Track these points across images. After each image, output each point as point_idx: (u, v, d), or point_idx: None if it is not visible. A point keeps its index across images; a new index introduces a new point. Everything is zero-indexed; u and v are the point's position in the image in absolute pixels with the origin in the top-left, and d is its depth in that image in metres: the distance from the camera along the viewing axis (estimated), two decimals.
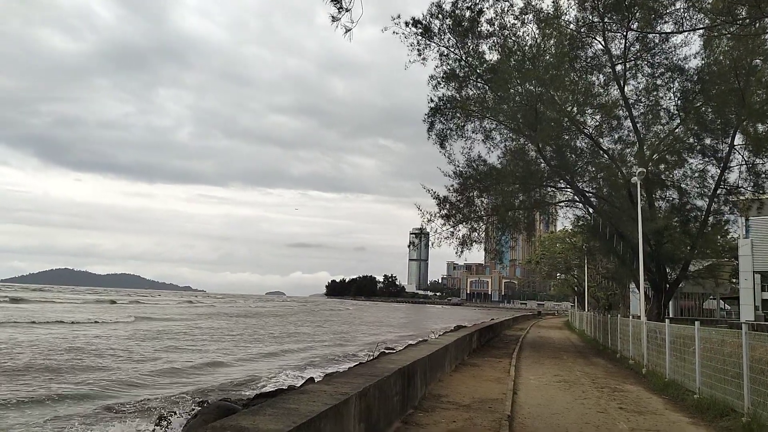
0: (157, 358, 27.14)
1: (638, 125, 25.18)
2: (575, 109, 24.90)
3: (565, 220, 34.47)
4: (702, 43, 23.90)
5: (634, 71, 24.99)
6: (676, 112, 25.14)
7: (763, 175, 24.47)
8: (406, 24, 24.30)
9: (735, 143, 24.51)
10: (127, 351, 29.13)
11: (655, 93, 25.01)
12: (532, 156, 26.50)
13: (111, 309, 78.99)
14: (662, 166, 25.68)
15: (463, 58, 25.01)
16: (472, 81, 25.61)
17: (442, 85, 25.37)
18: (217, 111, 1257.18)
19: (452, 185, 26.49)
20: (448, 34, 24.50)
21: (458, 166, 26.33)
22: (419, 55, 24.49)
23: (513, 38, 24.46)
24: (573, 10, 23.84)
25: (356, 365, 16.79)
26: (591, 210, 27.92)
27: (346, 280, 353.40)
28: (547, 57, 24.02)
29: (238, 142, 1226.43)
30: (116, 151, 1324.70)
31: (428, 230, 26.70)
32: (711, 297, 46.79)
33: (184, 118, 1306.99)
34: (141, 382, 20.64)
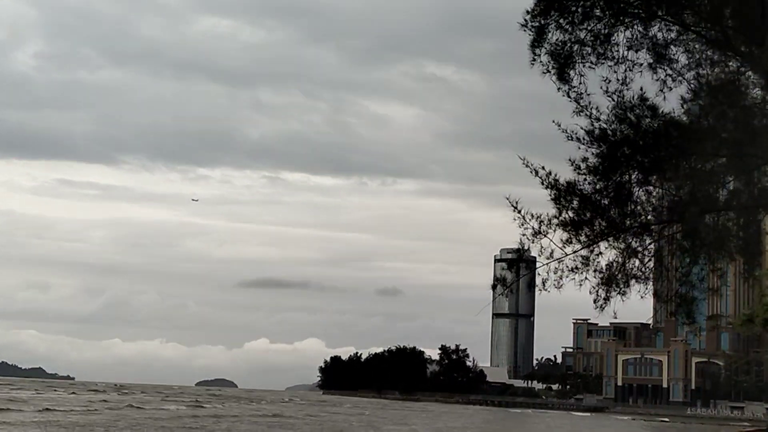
0: None
1: None
2: None
3: None
4: None
5: None
6: None
7: None
8: None
9: None
10: None
11: None
12: (757, 97, 18.43)
13: None
14: None
15: None
16: None
17: None
18: (94, 12, 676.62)
19: (585, 159, 18.53)
20: None
21: (597, 120, 18.39)
22: None
23: None
24: None
25: None
26: None
27: (362, 357, 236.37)
28: None
29: (136, 74, 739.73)
30: None
31: (533, 253, 19.09)
32: None
33: (24, 26, 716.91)
34: None
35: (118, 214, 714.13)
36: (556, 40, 17.79)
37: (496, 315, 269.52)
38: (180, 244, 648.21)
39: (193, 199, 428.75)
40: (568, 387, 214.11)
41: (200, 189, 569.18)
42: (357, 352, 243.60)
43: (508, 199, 18.39)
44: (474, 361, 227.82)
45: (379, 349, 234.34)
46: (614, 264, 18.46)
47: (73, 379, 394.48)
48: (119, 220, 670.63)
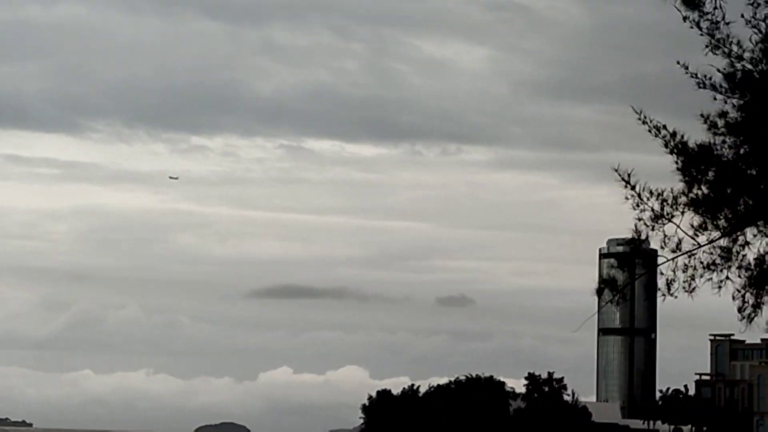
0: None
1: None
2: None
3: None
4: None
5: None
6: None
7: None
8: None
9: None
10: None
11: None
12: None
13: None
14: None
15: None
16: None
17: None
18: None
19: (723, 114, 15.91)
20: None
21: (740, 59, 15.76)
22: None
23: None
24: None
25: None
26: None
27: (420, 391, 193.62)
28: None
29: (106, 9, 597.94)
30: None
31: (654, 245, 16.22)
32: None
33: None
34: None
35: (85, 200, 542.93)
36: None
37: (603, 331, 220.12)
38: (169, 239, 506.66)
39: (171, 177, 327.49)
40: (704, 428, 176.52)
41: (195, 164, 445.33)
42: (413, 384, 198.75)
43: (616, 170, 15.17)
44: (574, 394, 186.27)
45: (443, 380, 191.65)
46: (766, 258, 15.59)
47: (30, 425, 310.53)
48: (87, 208, 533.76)
